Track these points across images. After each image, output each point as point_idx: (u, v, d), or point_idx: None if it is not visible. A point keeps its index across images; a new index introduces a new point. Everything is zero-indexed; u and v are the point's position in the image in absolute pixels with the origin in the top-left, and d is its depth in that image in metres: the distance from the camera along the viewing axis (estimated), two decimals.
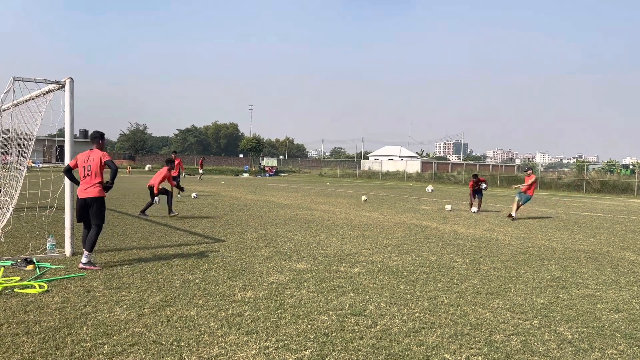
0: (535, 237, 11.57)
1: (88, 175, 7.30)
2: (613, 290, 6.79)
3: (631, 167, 50.07)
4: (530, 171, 16.62)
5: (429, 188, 18.51)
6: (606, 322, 5.39)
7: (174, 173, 21.25)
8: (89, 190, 7.29)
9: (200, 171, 40.12)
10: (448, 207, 18.34)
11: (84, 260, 7.11)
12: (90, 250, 7.19)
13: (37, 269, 6.97)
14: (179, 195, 20.58)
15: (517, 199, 15.68)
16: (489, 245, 10.17)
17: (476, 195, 17.52)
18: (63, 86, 7.86)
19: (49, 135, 9.58)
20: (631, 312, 5.76)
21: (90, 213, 7.30)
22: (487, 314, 5.51)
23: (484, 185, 17.47)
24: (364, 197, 18.86)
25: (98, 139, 7.54)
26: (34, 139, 9.01)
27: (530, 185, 15.60)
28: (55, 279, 6.46)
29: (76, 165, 7.46)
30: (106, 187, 7.47)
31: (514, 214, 15.40)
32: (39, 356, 4.06)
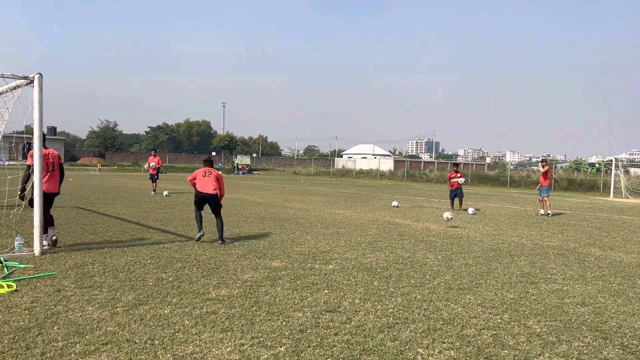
0: (505, 234, 11.80)
1: (52, 171, 8.31)
2: (579, 285, 6.99)
3: (597, 165, 51.37)
4: (544, 162, 17.43)
5: (394, 203, 18.87)
6: (573, 315, 5.55)
7: (152, 171, 21.24)
8: (55, 186, 8.41)
9: None
10: (394, 203, 18.73)
11: (45, 242, 8.12)
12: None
13: (5, 268, 6.81)
14: (152, 193, 20.39)
15: (540, 197, 16.83)
16: (461, 242, 10.34)
17: (456, 195, 17.44)
18: (32, 82, 7.67)
19: (16, 132, 9.37)
20: (597, 306, 5.94)
21: (51, 203, 8.41)
22: (459, 309, 5.61)
23: (462, 180, 17.46)
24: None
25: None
26: (1, 136, 8.79)
27: (545, 175, 16.68)
28: (24, 279, 6.33)
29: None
30: (21, 196, 8.16)
31: (542, 212, 16.47)
32: (8, 356, 3.98)
